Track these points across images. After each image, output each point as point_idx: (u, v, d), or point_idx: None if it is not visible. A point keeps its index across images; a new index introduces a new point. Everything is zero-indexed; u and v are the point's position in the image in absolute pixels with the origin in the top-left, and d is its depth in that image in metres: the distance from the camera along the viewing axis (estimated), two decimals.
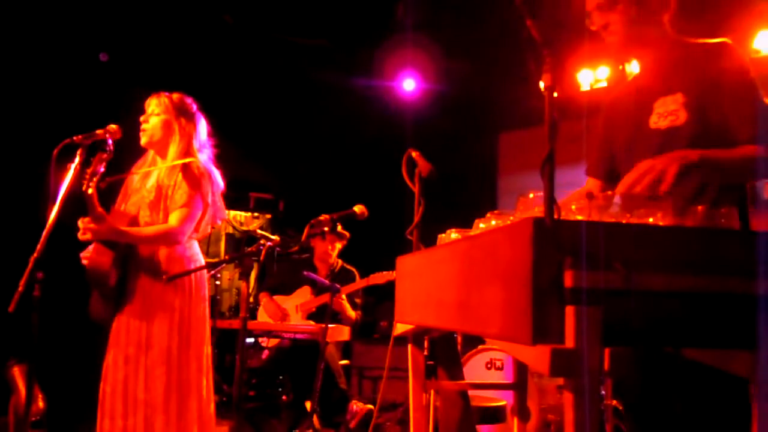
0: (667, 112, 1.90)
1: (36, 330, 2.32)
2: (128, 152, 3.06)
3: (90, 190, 2.66)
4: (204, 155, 3.09)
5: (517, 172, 6.97)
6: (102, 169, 2.70)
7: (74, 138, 2.58)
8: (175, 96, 3.10)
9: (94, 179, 2.68)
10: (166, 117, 3.04)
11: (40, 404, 3.85)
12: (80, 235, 2.78)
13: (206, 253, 5.02)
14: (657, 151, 1.82)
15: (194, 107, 3.13)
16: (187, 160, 2.97)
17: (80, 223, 2.76)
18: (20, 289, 2.29)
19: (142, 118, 3.07)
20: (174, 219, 2.91)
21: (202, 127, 3.14)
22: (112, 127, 2.70)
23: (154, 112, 3.05)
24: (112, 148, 2.71)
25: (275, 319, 4.80)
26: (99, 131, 2.67)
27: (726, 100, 1.83)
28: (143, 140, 3.06)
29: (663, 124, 1.91)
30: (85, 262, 2.85)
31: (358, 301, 4.98)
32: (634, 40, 2.02)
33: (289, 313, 4.87)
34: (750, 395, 1.36)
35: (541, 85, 1.24)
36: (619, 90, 2.21)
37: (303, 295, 4.90)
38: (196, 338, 2.94)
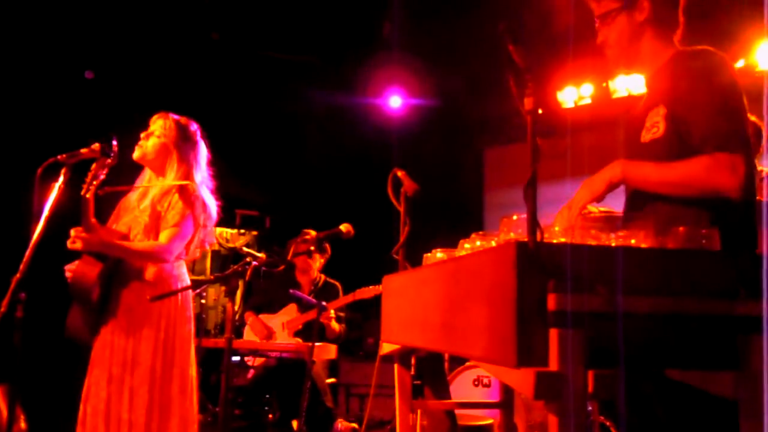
0: (652, 125, 1.86)
1: (19, 351, 2.29)
2: (116, 170, 3.03)
3: (88, 195, 2.64)
4: (203, 185, 3.05)
5: (503, 187, 7.00)
6: (103, 176, 2.67)
7: (58, 157, 2.55)
8: (182, 120, 3.07)
9: (95, 184, 2.65)
10: (165, 141, 3.00)
11: (22, 425, 3.80)
12: (69, 244, 2.74)
13: (192, 270, 4.98)
14: None
15: (198, 134, 3.10)
16: (184, 182, 2.95)
17: (72, 231, 2.73)
18: (2, 309, 2.27)
19: (142, 135, 3.04)
20: (164, 237, 2.89)
21: (203, 155, 3.11)
22: (96, 146, 2.68)
23: (155, 133, 3.01)
24: (116, 153, 2.68)
25: (261, 338, 4.77)
26: (83, 150, 2.65)
27: (689, 107, 1.78)
28: (136, 154, 3.02)
29: (647, 138, 1.87)
30: (68, 275, 2.81)
31: (341, 315, 4.94)
32: (629, 55, 2.00)
33: (276, 330, 4.84)
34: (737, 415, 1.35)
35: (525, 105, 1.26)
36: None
37: (289, 312, 4.87)
38: (180, 358, 2.91)
